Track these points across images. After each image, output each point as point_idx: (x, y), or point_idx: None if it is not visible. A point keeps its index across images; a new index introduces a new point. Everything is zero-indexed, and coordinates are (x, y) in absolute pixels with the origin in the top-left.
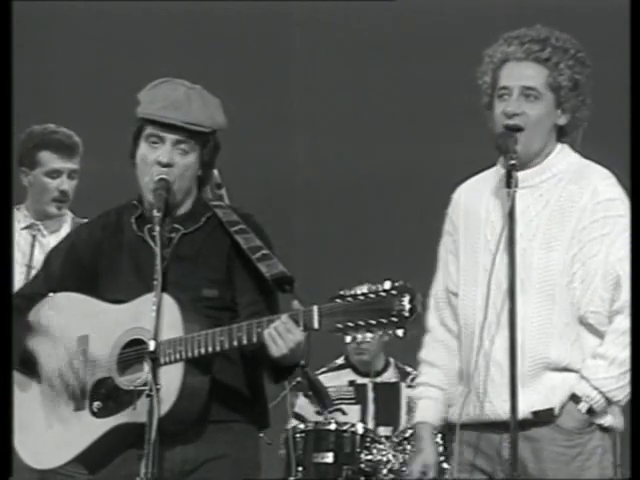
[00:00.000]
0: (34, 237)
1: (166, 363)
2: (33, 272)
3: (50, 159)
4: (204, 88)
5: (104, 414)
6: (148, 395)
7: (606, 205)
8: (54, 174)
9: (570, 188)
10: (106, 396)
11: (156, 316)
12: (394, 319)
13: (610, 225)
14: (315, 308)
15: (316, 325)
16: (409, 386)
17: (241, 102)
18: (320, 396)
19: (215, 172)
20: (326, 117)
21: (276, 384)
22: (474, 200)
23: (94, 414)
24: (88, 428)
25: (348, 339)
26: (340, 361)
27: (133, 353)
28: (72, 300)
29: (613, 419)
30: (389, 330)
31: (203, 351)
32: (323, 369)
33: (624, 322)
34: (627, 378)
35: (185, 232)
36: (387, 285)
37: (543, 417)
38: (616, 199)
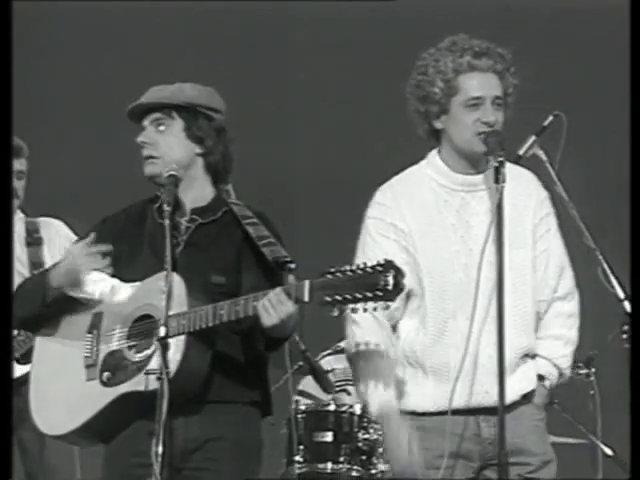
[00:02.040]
0: None
1: (169, 336)
2: None
3: None
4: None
5: (113, 383)
6: (159, 378)
7: (546, 203)
8: None
9: (517, 190)
10: (115, 367)
11: (166, 304)
12: (379, 293)
13: (550, 222)
14: (307, 282)
15: (306, 298)
16: None
17: (241, 102)
18: (320, 380)
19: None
20: (326, 116)
21: (267, 352)
22: (418, 205)
23: (104, 384)
24: (97, 396)
25: (335, 312)
26: (343, 344)
27: (142, 327)
28: (106, 281)
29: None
30: (374, 303)
31: (204, 325)
32: (328, 351)
33: (566, 307)
34: (573, 357)
35: (202, 222)
36: (374, 261)
37: (529, 398)
38: (547, 197)
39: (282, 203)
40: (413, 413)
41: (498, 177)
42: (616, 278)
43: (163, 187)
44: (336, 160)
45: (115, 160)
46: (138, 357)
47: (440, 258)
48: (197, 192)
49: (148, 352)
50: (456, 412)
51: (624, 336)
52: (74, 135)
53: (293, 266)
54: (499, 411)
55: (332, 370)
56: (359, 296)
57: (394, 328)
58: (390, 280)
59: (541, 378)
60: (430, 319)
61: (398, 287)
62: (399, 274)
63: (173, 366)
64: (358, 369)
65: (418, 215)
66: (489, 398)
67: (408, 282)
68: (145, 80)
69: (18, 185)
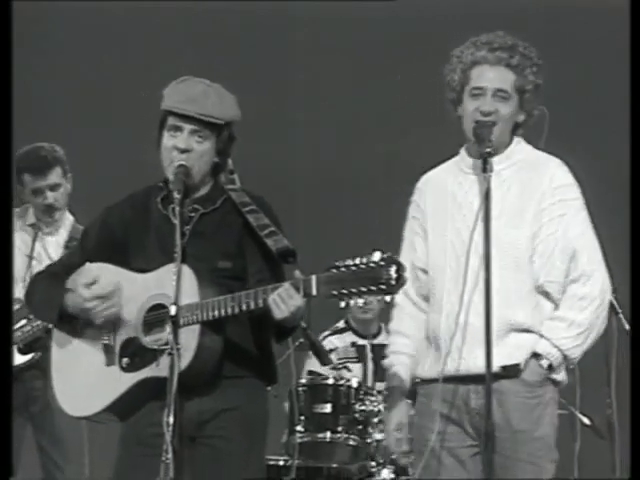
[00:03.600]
0: (36, 233)
1: (184, 325)
2: (33, 262)
3: (30, 181)
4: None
5: (131, 369)
6: (169, 353)
7: (562, 190)
8: (36, 192)
9: (529, 175)
10: (133, 353)
11: (176, 285)
12: (382, 286)
13: (566, 207)
14: (314, 277)
15: (314, 292)
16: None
17: (241, 102)
18: (320, 355)
19: (229, 160)
20: (326, 116)
21: (278, 343)
22: (440, 187)
23: (123, 369)
24: (118, 381)
25: (342, 304)
26: (341, 324)
27: (156, 316)
28: (103, 270)
29: (564, 375)
30: (378, 296)
31: (217, 314)
32: (328, 331)
33: (580, 289)
34: (582, 339)
35: (204, 212)
36: (377, 256)
37: (510, 372)
38: (571, 184)
39: (282, 203)
40: (421, 380)
41: (485, 167)
42: None
43: (174, 177)
44: (336, 160)
45: (115, 160)
46: (154, 344)
47: (443, 236)
48: (198, 184)
49: (163, 340)
50: (448, 379)
51: None
52: (74, 135)
53: (293, 257)
54: (486, 382)
55: (335, 349)
56: (363, 289)
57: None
58: (392, 274)
59: (537, 356)
60: (433, 291)
61: (400, 280)
62: (400, 268)
63: (189, 354)
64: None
65: (435, 195)
66: (475, 366)
67: (422, 258)
68: (145, 80)
69: (55, 197)
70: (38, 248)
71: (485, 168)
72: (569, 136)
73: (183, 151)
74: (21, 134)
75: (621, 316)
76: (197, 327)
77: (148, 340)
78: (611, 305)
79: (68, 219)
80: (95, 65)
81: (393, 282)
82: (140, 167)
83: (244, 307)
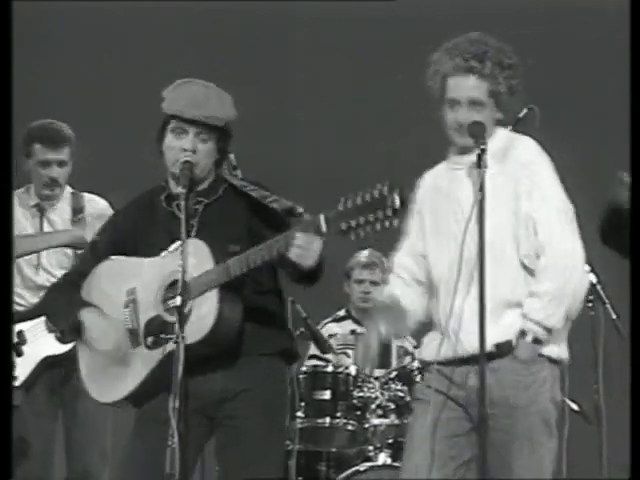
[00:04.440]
0: (42, 214)
1: (202, 293)
2: None
3: (40, 151)
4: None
5: (157, 346)
6: (175, 342)
7: (527, 166)
8: (44, 164)
9: (504, 160)
10: (157, 331)
11: (181, 276)
12: (389, 213)
13: (530, 182)
14: (322, 216)
15: (324, 229)
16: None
17: (241, 102)
18: (319, 343)
19: (231, 156)
20: (326, 116)
21: (309, 285)
22: (438, 182)
23: (149, 348)
24: (145, 360)
25: (352, 237)
26: (342, 313)
27: (174, 291)
28: (116, 262)
29: (559, 350)
30: (386, 223)
31: (234, 274)
32: (329, 319)
33: (541, 261)
34: (553, 307)
35: (207, 202)
36: (378, 186)
37: (503, 349)
38: (534, 161)
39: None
40: (427, 362)
41: (480, 163)
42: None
43: (180, 172)
44: (336, 160)
45: (115, 160)
46: (175, 319)
47: (434, 229)
48: (201, 179)
49: (185, 312)
50: (448, 362)
51: (589, 304)
52: (74, 135)
53: (301, 210)
54: (480, 361)
55: (334, 335)
56: (371, 219)
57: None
58: (396, 200)
59: (523, 333)
60: (432, 279)
61: (404, 203)
62: (402, 192)
63: (209, 323)
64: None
65: (429, 186)
66: (471, 347)
67: (417, 244)
68: (145, 80)
69: (59, 173)
70: (47, 229)
71: (480, 164)
72: (569, 136)
73: (190, 152)
74: (21, 134)
75: (608, 306)
76: (215, 296)
77: (170, 315)
78: (598, 295)
79: (67, 191)
80: (95, 65)
81: (397, 206)
82: (140, 167)
83: (259, 261)
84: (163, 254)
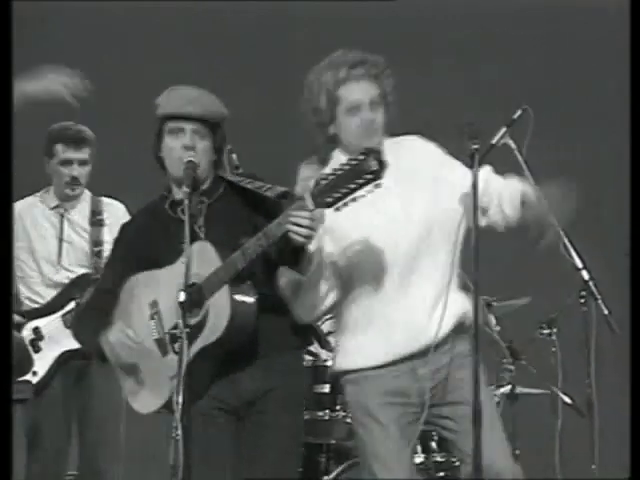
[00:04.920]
0: (62, 215)
1: (214, 292)
2: (64, 244)
3: (61, 150)
4: (205, 87)
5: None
6: (179, 337)
7: (428, 156)
8: (65, 163)
9: (401, 159)
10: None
11: (185, 272)
12: (369, 176)
13: (439, 165)
14: (307, 193)
15: (311, 206)
16: None
17: (241, 102)
18: (319, 339)
19: (233, 156)
20: None
21: (299, 270)
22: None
23: (176, 353)
24: (175, 366)
25: (340, 208)
26: None
27: (191, 295)
28: (139, 278)
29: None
30: (368, 186)
31: (239, 266)
32: (329, 315)
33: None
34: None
35: (210, 202)
36: (355, 155)
37: (460, 330)
38: (430, 150)
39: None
40: (368, 368)
41: (473, 162)
42: (575, 251)
43: (184, 172)
44: None
45: (115, 160)
46: (194, 321)
47: (353, 232)
48: (203, 180)
49: (202, 314)
50: (396, 361)
51: (581, 300)
52: (94, 137)
53: (291, 197)
54: (474, 356)
55: (333, 332)
56: (353, 186)
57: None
58: (374, 163)
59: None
60: (368, 281)
61: (383, 165)
62: (380, 154)
63: (224, 320)
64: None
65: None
66: (418, 343)
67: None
68: (145, 80)
69: (80, 172)
70: (66, 230)
71: (472, 164)
72: (569, 136)
73: (189, 148)
74: (21, 134)
75: (600, 302)
76: (227, 293)
77: (189, 320)
78: (590, 291)
79: (87, 194)
80: (95, 65)
81: (376, 167)
82: (140, 167)
83: (259, 248)
84: (178, 261)
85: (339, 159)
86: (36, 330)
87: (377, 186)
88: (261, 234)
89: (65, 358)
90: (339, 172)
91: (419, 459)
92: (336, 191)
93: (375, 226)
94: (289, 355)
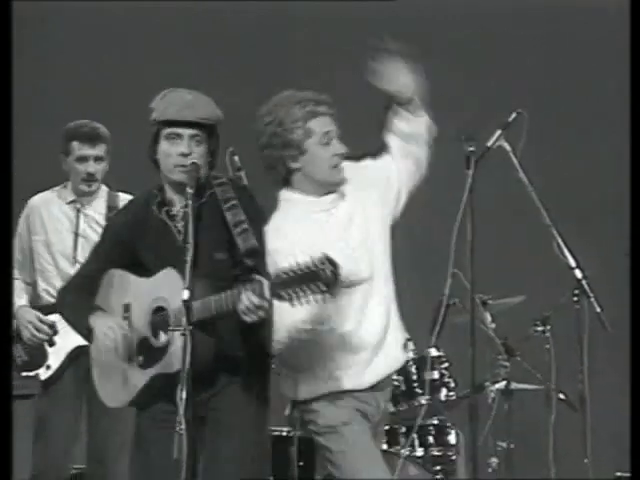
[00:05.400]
0: (78, 210)
1: (176, 329)
2: (79, 239)
3: (77, 147)
4: (202, 87)
5: (146, 366)
6: (182, 334)
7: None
8: (81, 159)
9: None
10: (146, 352)
11: (189, 271)
12: (322, 287)
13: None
14: (265, 283)
15: (267, 295)
16: None
17: (241, 102)
18: None
19: (236, 158)
20: None
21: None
22: (291, 220)
23: (140, 366)
24: (137, 377)
25: (293, 304)
26: None
27: (159, 318)
28: (116, 275)
29: None
30: (320, 294)
31: (200, 317)
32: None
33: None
34: None
35: (194, 206)
36: (313, 260)
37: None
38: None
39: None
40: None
41: (469, 165)
42: (568, 250)
43: (187, 174)
44: None
45: (115, 160)
46: (160, 344)
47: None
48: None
49: (165, 340)
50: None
51: (574, 299)
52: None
53: (257, 258)
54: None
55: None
56: (307, 290)
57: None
58: (329, 275)
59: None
60: (341, 308)
61: (337, 279)
62: (335, 267)
63: (188, 358)
64: None
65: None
66: (380, 373)
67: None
68: (145, 80)
69: (96, 169)
70: (82, 225)
71: (468, 166)
72: (569, 136)
73: (186, 155)
74: (21, 134)
75: (592, 300)
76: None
77: (154, 340)
78: (582, 289)
79: (103, 190)
80: (95, 65)
81: (330, 281)
82: (140, 166)
83: (220, 309)
84: (157, 274)
85: (291, 199)
86: (52, 325)
87: (332, 297)
88: (220, 298)
89: (77, 353)
90: (298, 272)
91: (420, 452)
92: (290, 289)
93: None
94: (249, 359)
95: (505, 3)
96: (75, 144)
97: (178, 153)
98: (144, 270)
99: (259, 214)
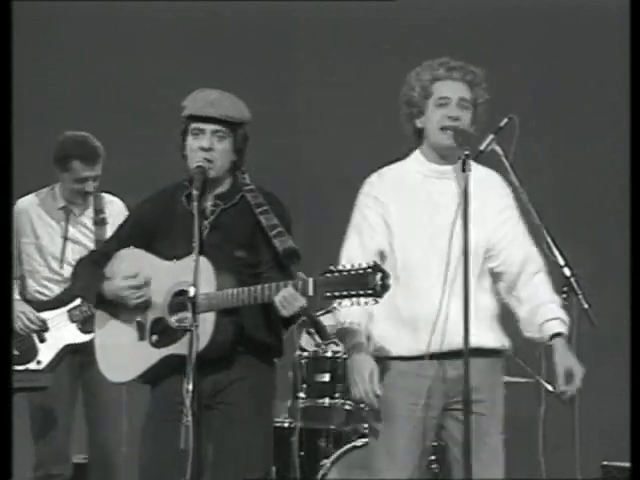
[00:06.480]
0: (68, 215)
1: (202, 312)
2: (68, 243)
3: (79, 169)
4: (210, 87)
5: (159, 345)
6: (189, 330)
7: (506, 199)
8: (81, 180)
9: (482, 184)
10: (160, 332)
11: (195, 272)
12: (370, 291)
13: (510, 212)
14: (311, 280)
15: (311, 293)
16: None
17: (244, 102)
18: (320, 331)
19: (246, 176)
20: (329, 115)
21: (284, 329)
22: (403, 183)
23: (152, 345)
24: (148, 354)
25: (335, 304)
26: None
27: (180, 300)
28: (136, 254)
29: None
30: (365, 300)
31: (228, 305)
32: (323, 311)
33: (534, 268)
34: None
35: (224, 207)
36: (366, 264)
37: (489, 354)
38: (509, 195)
39: (285, 202)
40: (392, 358)
41: (465, 167)
42: (558, 249)
43: (193, 176)
44: (336, 160)
45: (115, 160)
46: (178, 325)
47: (410, 227)
48: (219, 182)
49: (186, 322)
50: (431, 356)
51: (563, 296)
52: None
53: (297, 259)
54: (464, 355)
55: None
56: (353, 293)
57: None
58: (378, 281)
59: (559, 335)
60: (402, 279)
61: (385, 287)
62: (385, 275)
63: (207, 336)
64: (344, 343)
65: (397, 191)
66: (456, 343)
67: (382, 244)
68: (145, 80)
69: (94, 187)
70: (72, 229)
71: (464, 168)
72: (569, 136)
73: (207, 150)
74: (21, 134)
75: (580, 297)
76: (213, 320)
77: (173, 321)
78: (571, 287)
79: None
80: (95, 65)
81: (379, 288)
82: (140, 166)
83: (252, 301)
84: (177, 263)
85: (417, 159)
86: (43, 322)
87: (374, 303)
88: (259, 289)
89: (67, 351)
90: (345, 273)
91: None
92: (336, 289)
93: (436, 226)
94: (257, 354)
95: (505, 3)
96: (76, 164)
97: (199, 147)
98: (164, 256)
99: (288, 220)
